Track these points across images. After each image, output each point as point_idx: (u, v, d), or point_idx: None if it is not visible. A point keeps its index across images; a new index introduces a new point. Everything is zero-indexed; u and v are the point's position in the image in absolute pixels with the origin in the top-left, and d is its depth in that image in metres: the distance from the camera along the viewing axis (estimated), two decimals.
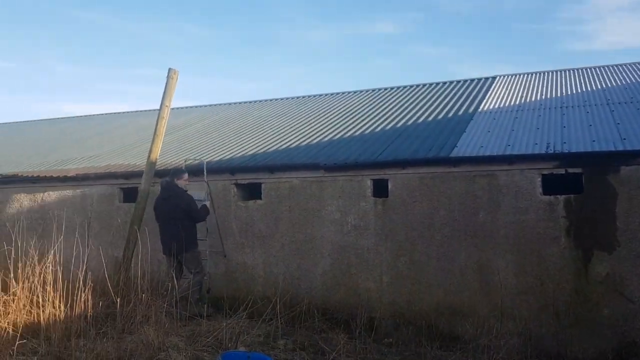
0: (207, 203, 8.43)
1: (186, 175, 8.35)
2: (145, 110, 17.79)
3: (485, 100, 10.95)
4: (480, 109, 10.29)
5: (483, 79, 13.24)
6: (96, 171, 10.49)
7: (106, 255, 8.95)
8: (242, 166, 9.32)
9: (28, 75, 63.02)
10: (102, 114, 18.95)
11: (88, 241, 9.26)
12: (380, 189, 8.21)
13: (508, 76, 13.29)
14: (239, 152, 10.19)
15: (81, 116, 19.39)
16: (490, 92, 11.74)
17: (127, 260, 8.72)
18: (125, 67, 64.90)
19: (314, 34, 63.89)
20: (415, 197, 7.93)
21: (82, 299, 6.32)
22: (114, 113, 18.78)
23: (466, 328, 7.29)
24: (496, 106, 10.39)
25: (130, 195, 10.00)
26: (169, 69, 9.51)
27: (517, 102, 10.41)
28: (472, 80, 13.35)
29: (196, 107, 17.18)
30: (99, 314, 6.46)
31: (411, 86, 13.86)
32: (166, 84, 9.59)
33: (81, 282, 6.42)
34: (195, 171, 8.97)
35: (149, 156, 9.32)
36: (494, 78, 13.21)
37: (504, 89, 11.86)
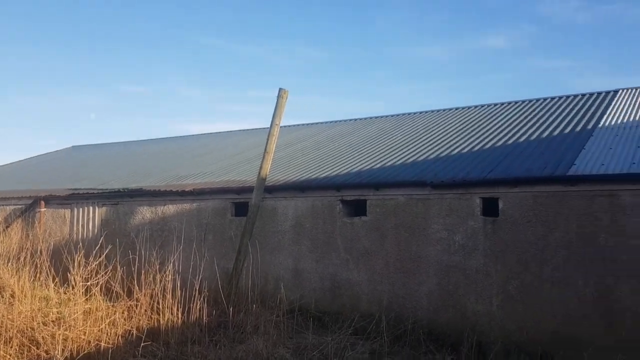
0: None
1: None
2: (256, 129, 18.61)
3: (606, 116, 10.23)
4: (600, 125, 9.62)
5: (604, 93, 12.37)
6: (211, 186, 11.10)
7: (218, 266, 9.44)
8: (347, 183, 9.42)
9: (156, 99, 68.29)
10: (216, 133, 20.10)
11: (203, 252, 9.78)
12: (490, 207, 7.92)
13: (632, 89, 12.31)
14: (345, 169, 10.32)
15: (197, 135, 20.69)
16: (612, 106, 10.95)
17: (238, 272, 9.13)
18: (243, 89, 68.29)
19: (424, 51, 63.32)
20: (528, 217, 7.57)
21: (198, 308, 6.69)
22: (227, 131, 19.83)
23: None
24: (619, 121, 9.67)
25: (241, 209, 10.47)
26: (279, 89, 9.93)
27: None
28: (591, 94, 12.52)
29: (304, 125, 17.67)
30: (212, 322, 6.81)
31: (523, 101, 13.29)
32: (276, 103, 10.02)
33: (197, 291, 6.82)
34: None
35: (259, 172, 9.76)
36: (615, 91, 12.30)
37: (627, 103, 11.01)
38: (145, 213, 11.80)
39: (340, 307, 8.88)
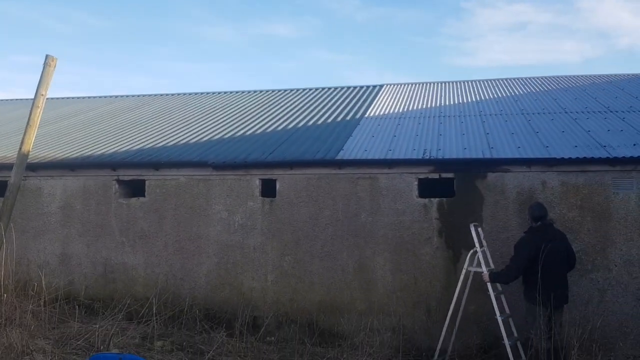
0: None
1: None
2: (19, 99, 16.47)
3: (372, 107, 11.41)
4: (367, 115, 10.71)
5: (371, 87, 13.77)
6: None
7: None
8: (125, 162, 8.94)
9: None
10: None
11: None
12: (269, 188, 8.27)
13: (394, 85, 13.94)
14: (123, 147, 9.77)
15: None
16: (377, 99, 12.25)
17: None
18: (5, 53, 59.55)
19: (213, 31, 62.81)
20: (301, 197, 8.08)
21: None
22: None
23: (345, 325, 7.54)
24: (381, 113, 10.87)
25: None
26: (46, 56, 8.90)
27: (400, 110, 10.97)
28: (361, 87, 13.85)
29: (81, 98, 16.19)
30: None
31: (304, 89, 14.09)
32: (42, 71, 8.95)
33: None
34: None
35: (20, 148, 8.64)
36: (381, 86, 13.80)
37: (389, 97, 12.43)
38: None
39: (113, 292, 8.44)
